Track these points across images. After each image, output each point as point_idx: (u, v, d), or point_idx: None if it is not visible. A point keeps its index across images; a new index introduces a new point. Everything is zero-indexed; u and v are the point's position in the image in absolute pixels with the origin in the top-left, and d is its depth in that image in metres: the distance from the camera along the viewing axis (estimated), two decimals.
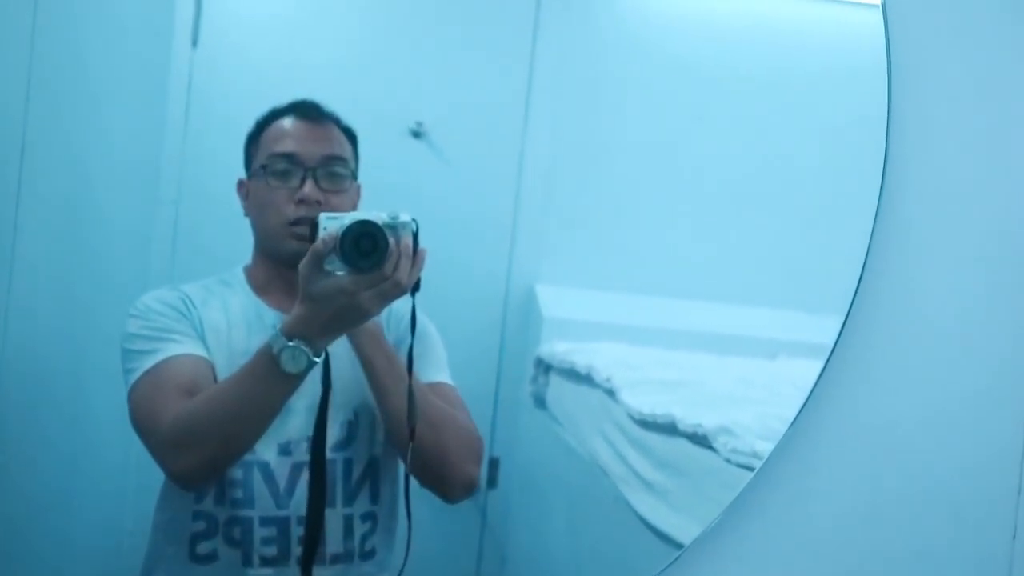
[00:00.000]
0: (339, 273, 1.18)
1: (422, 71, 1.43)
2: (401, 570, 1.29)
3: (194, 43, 1.38)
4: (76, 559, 1.36)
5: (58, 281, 1.37)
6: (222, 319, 1.31)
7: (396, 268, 1.19)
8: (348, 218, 1.19)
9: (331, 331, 1.21)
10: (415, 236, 1.21)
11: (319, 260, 1.18)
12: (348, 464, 1.32)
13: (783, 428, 1.36)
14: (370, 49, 1.43)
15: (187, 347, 1.28)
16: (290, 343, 1.19)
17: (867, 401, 1.40)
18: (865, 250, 1.38)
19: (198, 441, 1.24)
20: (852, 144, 1.46)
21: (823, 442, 1.39)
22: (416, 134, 1.41)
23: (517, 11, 1.44)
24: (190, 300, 1.31)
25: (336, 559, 1.31)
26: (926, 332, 1.41)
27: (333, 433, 1.30)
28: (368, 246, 1.18)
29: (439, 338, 1.34)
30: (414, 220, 1.21)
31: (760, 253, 1.48)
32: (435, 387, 1.33)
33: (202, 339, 1.29)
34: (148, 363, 1.27)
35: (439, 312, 1.41)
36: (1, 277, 1.34)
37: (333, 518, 1.30)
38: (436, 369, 1.34)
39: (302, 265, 1.19)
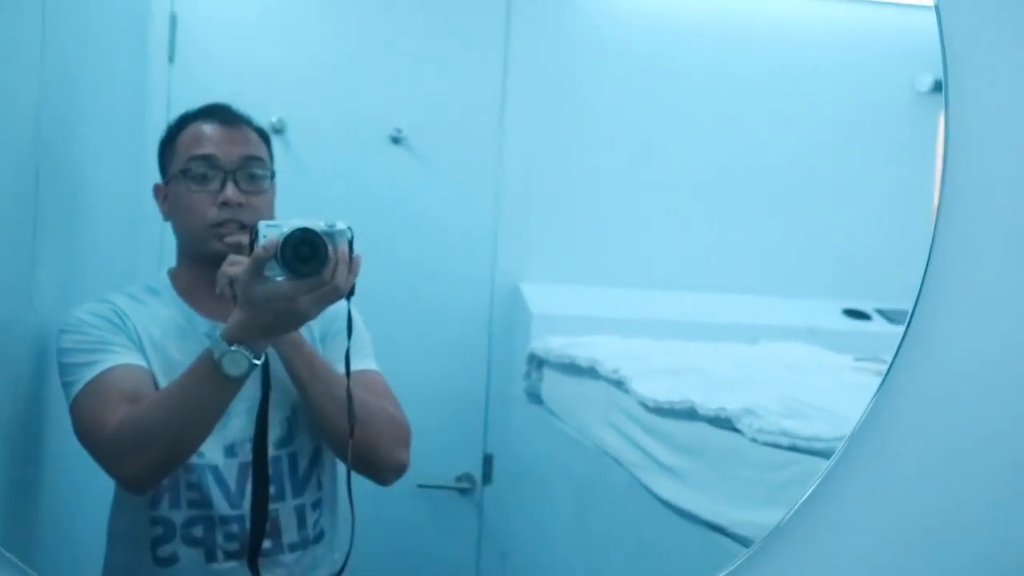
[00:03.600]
0: (279, 279, 1.21)
1: (398, 78, 1.44)
2: (348, 553, 1.33)
3: (170, 59, 1.39)
4: None
5: (64, 288, 1.39)
6: (155, 328, 1.33)
7: (334, 274, 1.22)
8: (288, 226, 1.21)
9: (270, 335, 1.25)
10: (351, 243, 1.24)
11: (259, 266, 1.21)
12: (293, 458, 1.35)
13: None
14: (346, 59, 1.45)
15: (126, 357, 1.30)
16: (231, 348, 1.22)
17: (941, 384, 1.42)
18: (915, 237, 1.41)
19: (144, 445, 1.26)
20: (826, 134, 1.51)
21: (899, 427, 1.41)
22: (395, 140, 1.43)
23: (489, 15, 1.46)
24: (122, 311, 1.32)
25: (293, 547, 1.34)
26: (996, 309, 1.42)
27: (274, 431, 1.33)
28: (307, 252, 1.21)
29: (364, 327, 1.36)
30: (350, 228, 1.24)
31: (734, 242, 1.51)
32: (362, 375, 1.35)
33: (140, 349, 1.31)
34: (88, 374, 1.29)
35: (426, 314, 1.45)
36: (24, 285, 1.35)
37: (285, 510, 1.34)
38: (362, 356, 1.36)
39: (242, 271, 1.22)
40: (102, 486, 1.31)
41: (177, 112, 1.35)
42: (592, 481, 1.52)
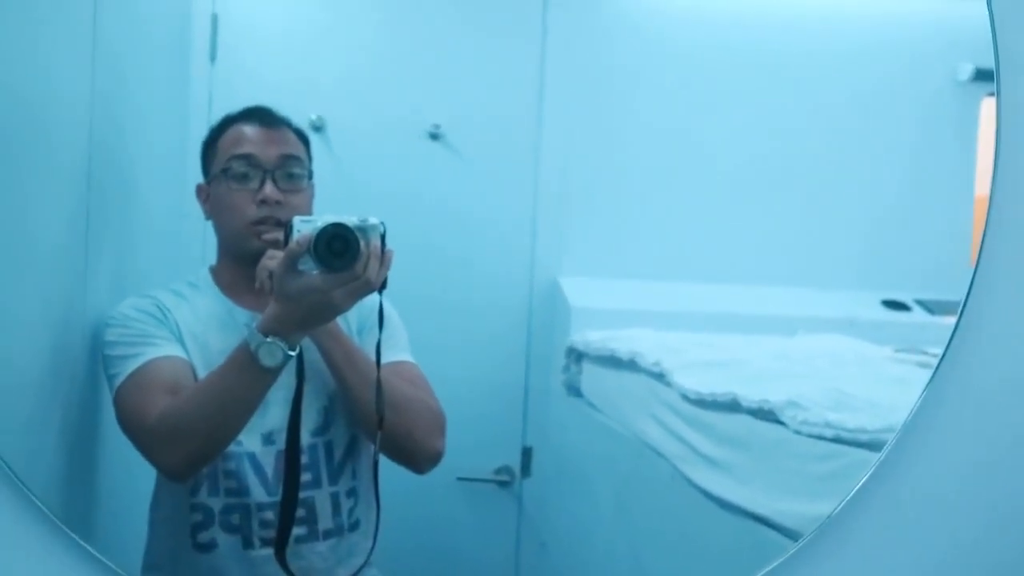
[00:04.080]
0: (312, 273, 1.23)
1: (436, 75, 1.46)
2: (373, 542, 1.35)
3: (212, 59, 1.42)
4: None
5: (118, 284, 1.42)
6: (195, 322, 1.35)
7: (366, 268, 1.24)
8: (321, 221, 1.23)
9: (305, 327, 1.27)
10: (383, 238, 1.26)
11: (293, 261, 1.23)
12: (329, 446, 1.37)
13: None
14: (385, 56, 1.46)
15: (167, 349, 1.33)
16: (267, 339, 1.24)
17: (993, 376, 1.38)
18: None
19: (185, 435, 1.29)
20: (865, 124, 1.51)
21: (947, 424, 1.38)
22: (434, 136, 1.44)
23: (526, 11, 1.47)
24: (164, 305, 1.35)
25: (328, 534, 1.36)
26: None
27: (311, 420, 1.35)
28: (340, 247, 1.23)
29: (398, 319, 1.38)
30: (382, 223, 1.25)
31: (772, 234, 1.50)
32: (397, 367, 1.37)
33: (180, 341, 1.34)
34: (131, 366, 1.32)
35: (465, 308, 1.46)
36: (79, 283, 1.38)
37: (321, 498, 1.36)
38: (397, 349, 1.38)
39: (277, 266, 1.24)
40: (152, 471, 1.34)
41: (219, 111, 1.38)
42: (633, 473, 1.53)
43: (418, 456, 1.38)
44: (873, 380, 1.45)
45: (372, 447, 1.35)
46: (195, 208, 1.38)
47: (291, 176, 1.36)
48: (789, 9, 1.53)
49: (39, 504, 1.26)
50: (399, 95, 1.46)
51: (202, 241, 1.39)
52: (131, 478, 1.37)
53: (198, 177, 1.37)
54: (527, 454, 1.48)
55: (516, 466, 1.47)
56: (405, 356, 1.39)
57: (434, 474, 1.38)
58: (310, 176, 1.38)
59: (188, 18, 1.43)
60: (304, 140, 1.39)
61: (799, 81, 1.51)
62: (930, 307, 1.47)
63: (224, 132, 1.37)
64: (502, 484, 1.48)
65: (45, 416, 1.33)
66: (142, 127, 1.43)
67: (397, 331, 1.38)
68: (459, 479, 1.45)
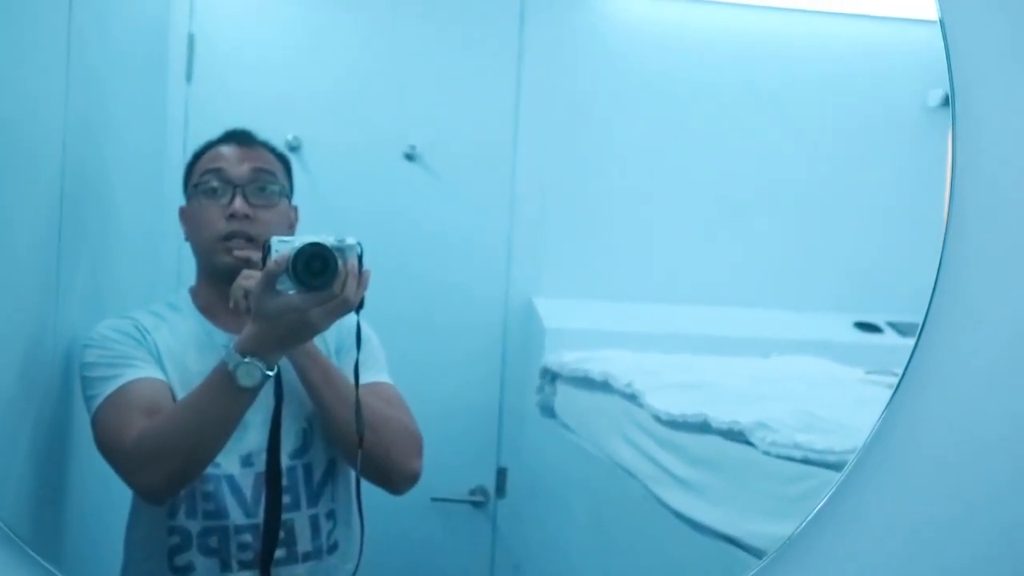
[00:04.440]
0: (290, 292, 1.24)
1: (412, 96, 1.46)
2: (357, 564, 1.35)
3: (188, 79, 1.41)
4: None
5: (91, 303, 1.41)
6: (174, 343, 1.35)
7: (344, 287, 1.25)
8: (299, 241, 1.24)
9: (283, 346, 1.28)
10: (360, 258, 1.26)
11: (271, 280, 1.24)
12: (308, 469, 1.36)
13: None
14: (361, 76, 1.47)
15: (146, 371, 1.33)
16: (245, 359, 1.25)
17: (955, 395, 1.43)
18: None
19: (162, 456, 1.29)
20: (837, 149, 1.53)
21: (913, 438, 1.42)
22: (409, 157, 1.45)
23: (502, 33, 1.47)
24: (143, 326, 1.35)
25: (307, 556, 1.36)
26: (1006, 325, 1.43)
27: (289, 442, 1.35)
28: (318, 266, 1.24)
29: (376, 340, 1.38)
30: (359, 243, 1.26)
31: (746, 256, 1.52)
32: (374, 387, 1.37)
33: (159, 363, 1.33)
34: (110, 388, 1.31)
35: (440, 328, 1.46)
36: (51, 301, 1.38)
37: (300, 520, 1.35)
38: (375, 370, 1.38)
39: (255, 285, 1.25)
40: (126, 494, 1.32)
41: (195, 130, 1.38)
42: (607, 494, 1.53)
43: (395, 476, 1.38)
44: (844, 402, 1.47)
45: (351, 469, 1.35)
46: (172, 227, 1.37)
47: (262, 190, 1.36)
48: (765, 34, 1.54)
49: (5, 528, 1.25)
50: (375, 115, 1.46)
51: (177, 260, 1.39)
52: (102, 501, 1.36)
53: (175, 196, 1.37)
54: (502, 475, 1.47)
55: (491, 487, 1.47)
56: (383, 377, 1.39)
57: (409, 494, 1.38)
58: (287, 195, 1.38)
59: (165, 37, 1.42)
60: (282, 160, 1.39)
61: (774, 105, 1.52)
62: (902, 329, 1.48)
63: (204, 154, 1.38)
64: (476, 505, 1.47)
65: (14, 436, 1.32)
66: (118, 145, 1.42)
67: (375, 352, 1.38)
68: (433, 499, 1.45)
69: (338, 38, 1.47)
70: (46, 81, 1.35)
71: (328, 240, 1.25)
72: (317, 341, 1.32)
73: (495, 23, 1.48)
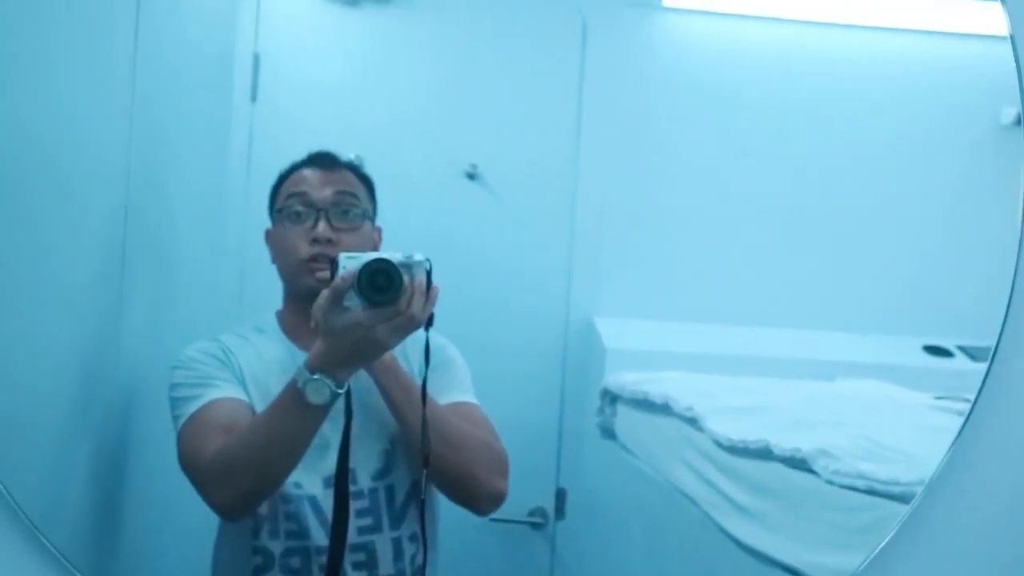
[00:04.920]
0: (357, 308, 1.23)
1: (473, 115, 1.47)
2: None
3: (253, 99, 1.43)
4: None
5: (153, 326, 1.44)
6: (259, 365, 1.36)
7: (410, 303, 1.24)
8: (365, 257, 1.24)
9: (351, 364, 1.26)
10: (428, 274, 1.25)
11: (338, 297, 1.23)
12: (390, 490, 1.36)
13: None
14: (424, 96, 1.47)
15: (227, 391, 1.34)
16: (313, 376, 1.24)
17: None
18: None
19: (235, 473, 1.29)
20: (907, 168, 1.50)
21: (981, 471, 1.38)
22: (471, 176, 1.45)
23: (563, 53, 1.47)
24: (228, 349, 1.37)
25: None
26: None
27: (371, 463, 1.35)
28: (383, 282, 1.23)
29: (461, 360, 1.39)
30: (427, 259, 1.25)
31: (810, 277, 1.50)
32: (457, 407, 1.37)
33: (242, 384, 1.35)
34: (193, 407, 1.33)
35: (500, 348, 1.46)
36: (113, 324, 1.40)
37: (382, 542, 1.35)
38: (459, 390, 1.38)
39: (323, 301, 1.24)
40: (184, 520, 1.34)
41: (259, 150, 1.41)
42: (665, 518, 1.51)
43: (479, 496, 1.37)
44: (910, 429, 1.44)
45: (437, 491, 1.36)
46: (234, 248, 1.40)
47: (345, 214, 1.37)
48: (829, 52, 1.52)
49: (60, 557, 1.26)
50: (437, 135, 1.47)
51: (239, 282, 1.41)
52: (161, 524, 1.38)
53: (238, 216, 1.40)
54: (561, 496, 1.47)
55: (550, 508, 1.47)
56: (468, 397, 1.39)
57: (467, 515, 1.37)
58: (371, 217, 1.40)
59: (230, 57, 1.45)
60: (365, 182, 1.41)
61: (839, 124, 1.50)
62: (973, 354, 1.44)
63: (288, 177, 1.39)
64: (535, 526, 1.47)
65: (71, 461, 1.34)
66: (182, 164, 1.44)
67: (460, 371, 1.39)
68: (492, 520, 1.43)
69: (400, 58, 1.48)
70: (112, 99, 1.38)
71: (395, 256, 1.24)
72: (401, 360, 1.32)
73: (557, 44, 1.48)
